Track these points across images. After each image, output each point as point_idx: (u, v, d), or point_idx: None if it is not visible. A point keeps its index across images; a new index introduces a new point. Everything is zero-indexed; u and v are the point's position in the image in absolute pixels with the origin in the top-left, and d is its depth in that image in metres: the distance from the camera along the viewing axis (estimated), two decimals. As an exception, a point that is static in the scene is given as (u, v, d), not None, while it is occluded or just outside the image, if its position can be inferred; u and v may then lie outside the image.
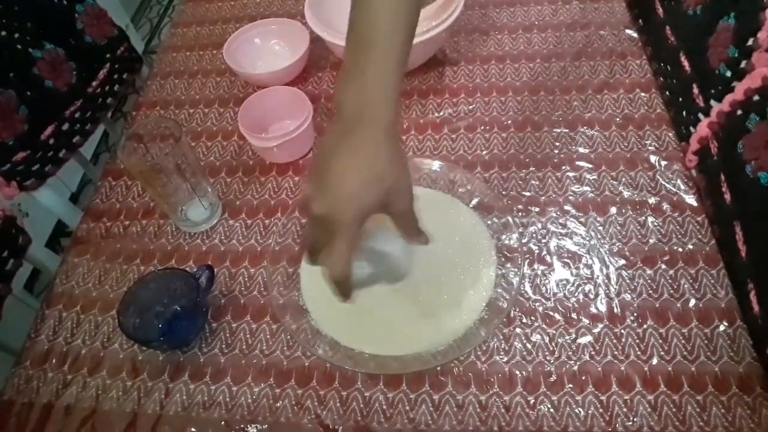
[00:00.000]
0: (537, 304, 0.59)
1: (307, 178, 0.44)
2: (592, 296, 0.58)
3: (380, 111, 0.41)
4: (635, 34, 0.82)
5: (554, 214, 0.65)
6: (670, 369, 0.53)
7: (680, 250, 0.60)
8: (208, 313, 0.62)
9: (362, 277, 0.49)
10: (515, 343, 0.56)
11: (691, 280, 0.58)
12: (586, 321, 0.57)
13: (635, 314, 0.57)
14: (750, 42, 0.54)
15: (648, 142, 0.70)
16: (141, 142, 0.64)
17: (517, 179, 0.68)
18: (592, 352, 0.55)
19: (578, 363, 0.54)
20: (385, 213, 0.44)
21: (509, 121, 0.74)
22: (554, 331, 0.57)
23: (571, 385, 0.53)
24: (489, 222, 0.63)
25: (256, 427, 0.54)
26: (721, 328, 0.55)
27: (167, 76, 0.88)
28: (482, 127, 0.74)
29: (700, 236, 0.61)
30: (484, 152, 0.72)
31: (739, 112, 0.56)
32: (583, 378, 0.54)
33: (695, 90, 0.65)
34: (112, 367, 0.60)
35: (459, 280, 0.60)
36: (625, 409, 0.52)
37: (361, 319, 0.59)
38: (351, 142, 0.41)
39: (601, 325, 0.56)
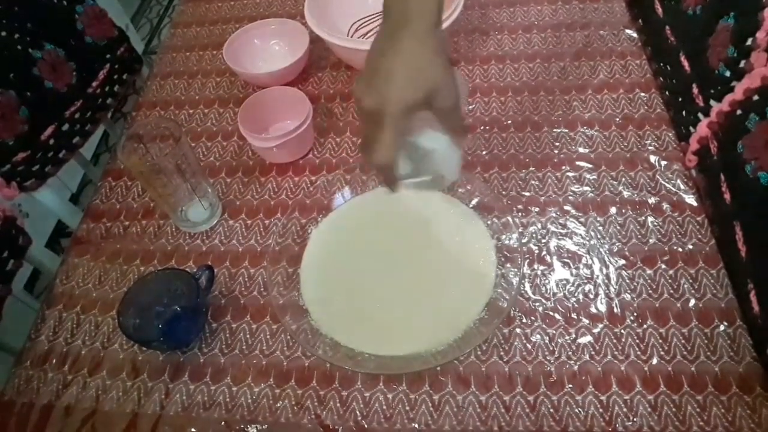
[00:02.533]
0: (537, 304, 0.59)
1: (358, 77, 0.47)
2: (592, 296, 0.58)
3: (423, 14, 0.45)
4: (635, 34, 0.82)
5: (554, 214, 0.65)
6: (670, 369, 0.53)
7: (680, 250, 0.60)
8: (208, 313, 0.62)
9: (407, 172, 0.52)
10: (515, 343, 0.56)
11: (691, 280, 0.58)
12: (586, 321, 0.57)
13: (635, 314, 0.57)
14: (749, 42, 0.54)
15: (648, 142, 0.70)
16: (141, 142, 0.64)
17: (517, 179, 0.69)
18: (592, 352, 0.55)
19: (578, 363, 0.55)
20: (429, 110, 0.46)
21: (509, 121, 0.74)
22: (554, 331, 0.57)
23: (571, 385, 0.53)
24: (489, 222, 0.63)
25: (256, 427, 0.54)
26: (721, 328, 0.55)
27: (167, 77, 0.88)
28: (482, 127, 0.74)
29: (700, 236, 0.61)
30: (484, 152, 0.72)
31: (739, 111, 0.56)
32: (583, 378, 0.54)
33: (695, 90, 0.65)
34: (112, 367, 0.60)
35: (459, 280, 0.60)
36: (625, 409, 0.52)
37: (361, 320, 0.59)
38: (396, 43, 0.44)
39: (601, 325, 0.56)
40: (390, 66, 0.44)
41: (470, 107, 0.76)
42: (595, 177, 0.67)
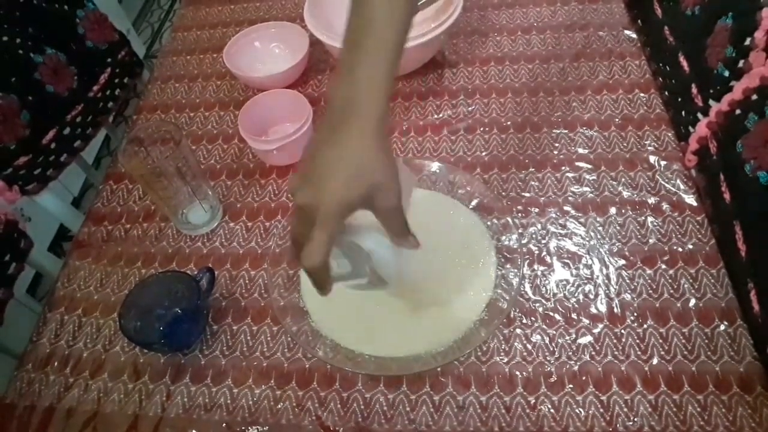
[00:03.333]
0: (537, 304, 0.59)
1: (297, 169, 0.44)
2: (592, 296, 0.58)
3: (368, 107, 0.42)
4: (634, 35, 0.82)
5: (554, 215, 0.65)
6: (670, 369, 0.53)
7: (680, 249, 0.60)
8: (209, 315, 0.62)
9: (342, 273, 0.48)
10: (515, 343, 0.56)
11: (691, 280, 0.58)
12: (586, 321, 0.57)
13: (635, 314, 0.57)
14: (747, 42, 0.54)
15: (647, 142, 0.70)
16: (142, 145, 0.64)
17: (517, 180, 0.69)
18: (593, 353, 0.55)
19: (578, 363, 0.54)
20: (369, 210, 0.44)
21: (508, 123, 0.74)
22: (554, 332, 0.57)
23: (571, 386, 0.53)
24: (489, 223, 0.64)
25: (257, 428, 0.55)
26: (722, 327, 0.55)
27: (168, 80, 0.89)
28: (481, 129, 0.74)
29: (699, 236, 0.61)
30: (484, 153, 0.72)
31: (738, 111, 0.56)
32: (584, 378, 0.54)
33: (694, 90, 0.65)
34: (114, 369, 0.60)
35: (459, 281, 0.60)
36: (625, 409, 0.52)
37: (362, 321, 0.59)
38: (338, 136, 0.42)
39: (601, 325, 0.56)
40: (329, 161, 0.41)
41: (470, 108, 0.77)
42: (594, 177, 0.67)
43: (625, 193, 0.66)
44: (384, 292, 0.61)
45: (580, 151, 0.70)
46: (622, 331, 0.56)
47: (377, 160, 0.42)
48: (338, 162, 0.41)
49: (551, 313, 0.58)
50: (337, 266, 0.48)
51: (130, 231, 0.71)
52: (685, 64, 0.68)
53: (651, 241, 0.62)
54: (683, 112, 0.68)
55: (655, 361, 0.54)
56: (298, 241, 0.44)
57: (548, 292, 0.59)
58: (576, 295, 0.59)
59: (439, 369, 0.56)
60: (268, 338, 0.60)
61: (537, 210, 0.66)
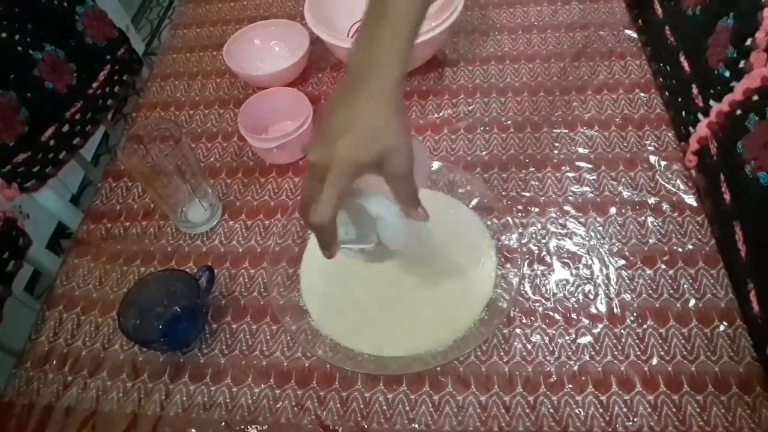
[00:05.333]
0: (537, 304, 0.59)
1: (314, 128, 0.44)
2: (591, 296, 0.58)
3: (385, 69, 0.42)
4: (635, 35, 0.82)
5: (554, 215, 0.65)
6: (670, 369, 0.53)
7: (680, 250, 0.60)
8: (209, 314, 0.62)
9: (348, 239, 0.48)
10: (515, 343, 0.56)
11: (690, 280, 0.58)
12: (585, 321, 0.57)
13: (635, 314, 0.57)
14: (748, 42, 0.54)
15: (647, 142, 0.70)
16: (141, 143, 0.64)
17: (517, 180, 0.69)
18: (592, 353, 0.55)
19: (578, 363, 0.54)
20: (380, 174, 0.43)
21: (509, 122, 0.74)
22: (554, 332, 0.57)
23: (571, 386, 0.53)
24: (489, 222, 0.63)
25: (257, 427, 0.54)
26: (721, 328, 0.55)
27: (167, 78, 0.88)
28: (482, 128, 0.74)
29: (699, 236, 0.61)
30: (484, 153, 0.72)
31: (739, 112, 0.56)
32: (583, 378, 0.54)
33: (694, 90, 0.65)
34: (113, 368, 0.60)
35: (459, 281, 0.60)
36: (625, 410, 0.52)
37: (361, 320, 0.59)
38: (353, 97, 0.42)
39: (600, 325, 0.56)
40: (343, 120, 0.42)
41: (470, 108, 0.77)
42: (594, 177, 0.67)
43: (625, 193, 0.66)
44: (383, 292, 0.61)
45: (581, 150, 0.70)
46: (622, 331, 0.56)
47: (391, 123, 0.42)
48: (352, 122, 0.41)
49: (551, 313, 0.58)
50: (345, 233, 0.48)
51: (129, 229, 0.71)
52: (685, 64, 0.68)
53: (651, 241, 0.62)
54: (684, 113, 0.68)
55: (654, 361, 0.54)
56: (307, 201, 0.44)
57: (548, 291, 0.59)
58: (576, 295, 0.59)
59: (438, 368, 0.56)
60: (268, 337, 0.60)
61: (537, 210, 0.66)
